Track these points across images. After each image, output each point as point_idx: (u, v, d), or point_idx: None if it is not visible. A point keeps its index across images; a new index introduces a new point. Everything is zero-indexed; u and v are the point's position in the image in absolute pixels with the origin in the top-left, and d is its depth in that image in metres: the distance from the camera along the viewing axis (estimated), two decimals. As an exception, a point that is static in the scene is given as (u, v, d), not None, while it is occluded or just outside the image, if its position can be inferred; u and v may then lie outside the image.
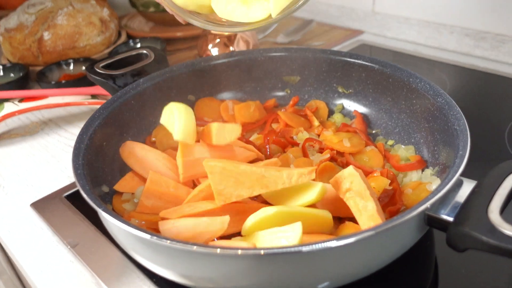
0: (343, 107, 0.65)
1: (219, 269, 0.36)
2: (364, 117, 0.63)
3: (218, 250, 0.33)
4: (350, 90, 0.64)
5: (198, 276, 0.38)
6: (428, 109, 0.52)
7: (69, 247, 0.49)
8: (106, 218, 0.37)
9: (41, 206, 0.56)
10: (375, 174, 0.51)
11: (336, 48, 0.95)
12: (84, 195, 0.39)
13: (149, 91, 0.61)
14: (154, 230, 0.44)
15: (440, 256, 0.45)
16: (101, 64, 0.63)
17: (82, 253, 0.48)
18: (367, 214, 0.41)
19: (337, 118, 0.64)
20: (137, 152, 0.51)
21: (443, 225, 0.36)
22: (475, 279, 0.43)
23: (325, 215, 0.43)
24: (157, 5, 1.03)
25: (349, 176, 0.43)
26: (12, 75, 0.89)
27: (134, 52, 0.67)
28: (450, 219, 0.36)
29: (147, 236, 0.34)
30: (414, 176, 0.52)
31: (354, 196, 0.42)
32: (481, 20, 0.84)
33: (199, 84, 0.65)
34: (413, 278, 0.44)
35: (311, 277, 0.36)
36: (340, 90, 0.65)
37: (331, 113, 0.65)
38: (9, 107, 0.70)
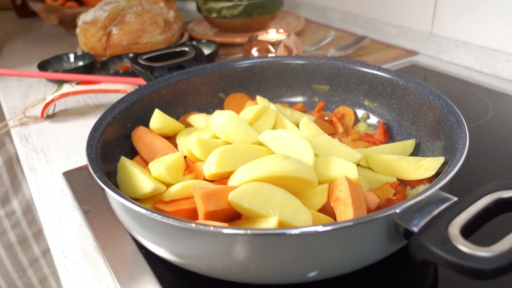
0: (368, 116, 0.65)
1: (205, 247, 0.38)
2: (388, 129, 0.62)
3: (202, 227, 0.35)
4: (376, 104, 0.64)
5: (184, 253, 0.40)
6: (442, 127, 0.51)
7: (82, 212, 0.54)
8: (100, 183, 0.41)
9: (71, 175, 0.62)
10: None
11: (384, 67, 0.94)
12: (88, 162, 0.44)
13: (181, 85, 0.65)
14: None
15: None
16: (145, 56, 0.69)
17: (91, 219, 0.53)
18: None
19: (362, 127, 0.64)
20: (146, 138, 0.55)
21: (408, 235, 0.36)
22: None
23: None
24: (219, 11, 1.09)
25: (339, 185, 0.44)
26: (81, 62, 0.99)
27: (177, 49, 0.72)
28: (415, 229, 0.35)
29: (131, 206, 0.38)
30: (420, 189, 0.51)
31: (340, 204, 0.43)
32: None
33: (230, 83, 0.69)
34: (413, 276, 0.44)
35: (299, 264, 0.37)
36: (366, 103, 0.65)
37: (357, 121, 0.66)
38: (67, 88, 0.78)
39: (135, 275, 0.45)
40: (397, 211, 0.36)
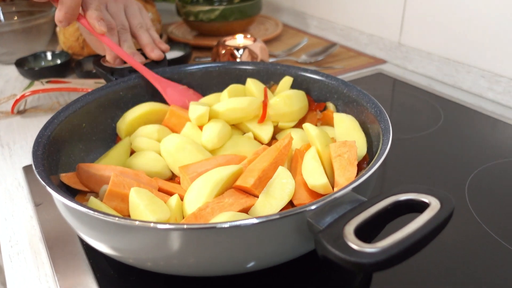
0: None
1: (140, 242, 0.40)
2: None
3: (136, 223, 0.38)
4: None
5: (120, 247, 0.43)
6: (375, 133, 0.54)
7: (33, 205, 0.57)
8: (39, 178, 0.44)
9: (30, 170, 0.65)
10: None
11: (351, 74, 0.97)
12: (32, 158, 0.46)
13: (140, 86, 0.68)
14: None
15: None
16: (108, 58, 0.72)
17: (40, 212, 0.56)
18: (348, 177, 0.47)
19: None
20: (94, 174, 0.51)
21: (316, 233, 0.38)
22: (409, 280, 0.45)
23: None
24: (196, 15, 1.12)
25: (347, 146, 0.50)
26: (58, 61, 1.02)
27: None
28: (321, 227, 0.38)
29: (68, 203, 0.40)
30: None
31: (345, 162, 0.49)
32: (498, 62, 0.82)
33: (189, 86, 0.71)
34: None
35: (236, 255, 0.40)
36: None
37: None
38: (37, 86, 0.81)
39: (73, 265, 0.47)
40: (308, 209, 0.38)
